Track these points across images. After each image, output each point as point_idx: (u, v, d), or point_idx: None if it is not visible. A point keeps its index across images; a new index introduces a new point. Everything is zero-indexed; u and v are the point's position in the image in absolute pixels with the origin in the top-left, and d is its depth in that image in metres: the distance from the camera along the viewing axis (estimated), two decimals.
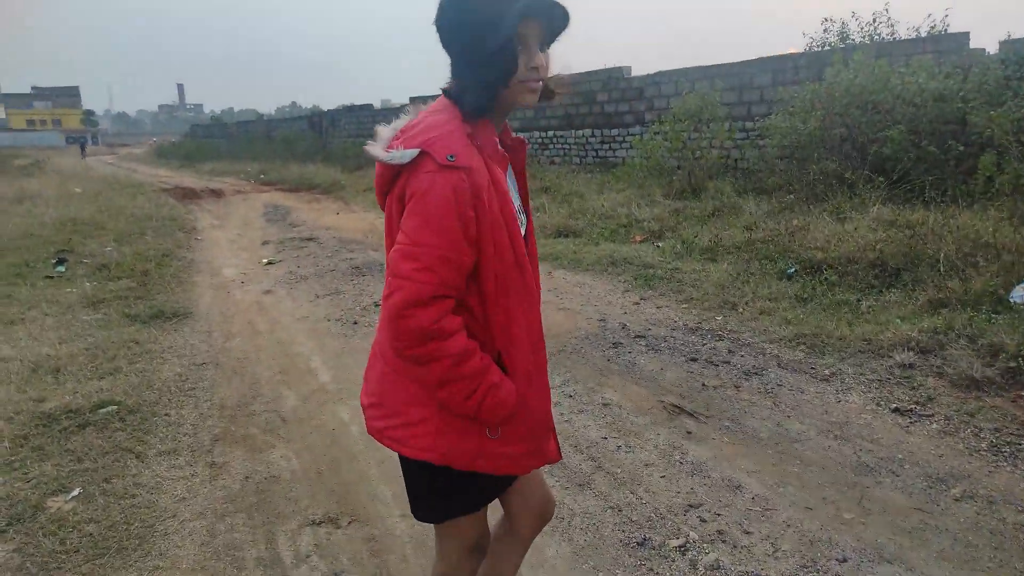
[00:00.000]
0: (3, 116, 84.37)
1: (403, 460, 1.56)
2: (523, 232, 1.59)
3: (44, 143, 63.70)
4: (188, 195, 16.07)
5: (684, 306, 5.40)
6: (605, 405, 3.74)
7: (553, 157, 15.73)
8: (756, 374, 4.02)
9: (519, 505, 1.75)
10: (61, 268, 7.35)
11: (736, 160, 11.09)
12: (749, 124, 11.09)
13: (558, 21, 1.41)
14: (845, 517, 2.65)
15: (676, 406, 3.67)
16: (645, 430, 3.43)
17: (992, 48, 8.31)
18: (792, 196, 8.13)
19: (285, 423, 3.60)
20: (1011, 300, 4.25)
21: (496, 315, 1.43)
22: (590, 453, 3.23)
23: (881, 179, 7.27)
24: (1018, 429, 3.16)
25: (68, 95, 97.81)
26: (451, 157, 1.31)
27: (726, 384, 3.92)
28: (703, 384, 3.93)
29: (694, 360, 4.29)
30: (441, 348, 1.35)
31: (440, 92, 1.47)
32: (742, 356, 4.30)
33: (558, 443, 1.64)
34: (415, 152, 1.33)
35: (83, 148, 48.07)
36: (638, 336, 4.78)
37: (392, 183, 1.40)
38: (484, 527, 1.70)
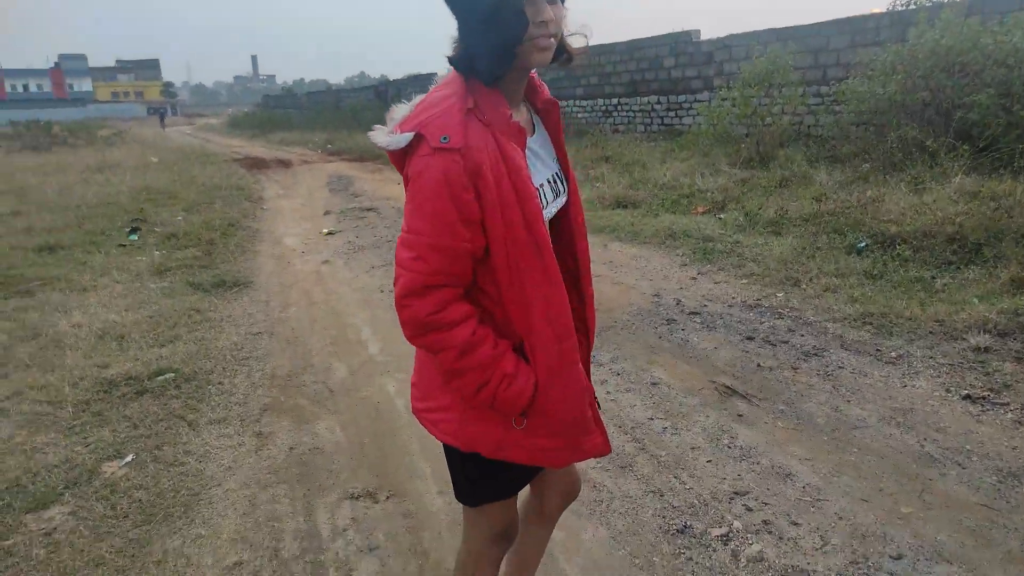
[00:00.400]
0: (90, 88, 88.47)
1: (443, 443, 1.54)
2: (562, 202, 1.51)
3: (127, 114, 66.65)
4: (257, 165, 16.50)
5: (744, 282, 5.20)
6: (654, 384, 3.64)
7: (617, 125, 15.38)
8: (816, 355, 3.83)
9: (546, 484, 1.72)
10: (134, 236, 7.67)
11: (809, 127, 10.56)
12: (824, 89, 10.52)
13: None
14: (903, 511, 2.49)
15: (728, 387, 3.53)
16: (694, 412, 3.32)
17: None
18: (868, 165, 7.68)
19: (332, 394, 3.65)
20: None
21: (512, 298, 1.35)
22: (634, 434, 3.14)
23: (966, 147, 6.77)
24: None
25: (149, 68, 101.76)
26: (444, 139, 1.23)
27: (783, 365, 3.75)
28: (758, 364, 3.77)
29: (750, 339, 4.12)
30: (444, 339, 1.30)
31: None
32: (802, 336, 4.10)
33: (606, 436, 1.53)
34: (410, 136, 1.26)
35: (162, 119, 50.04)
36: (693, 313, 4.62)
37: (403, 165, 1.34)
38: (513, 514, 1.66)
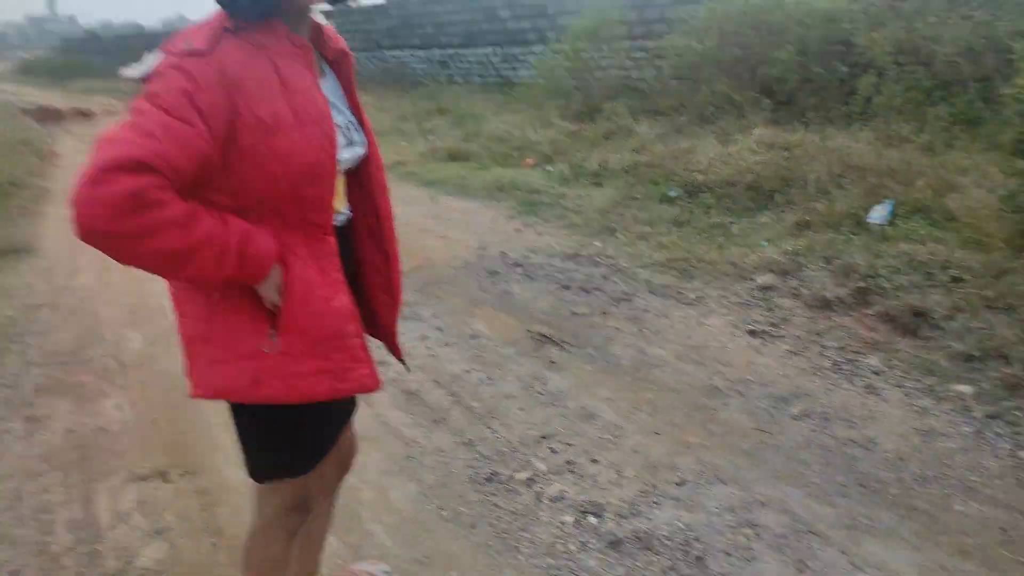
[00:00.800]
0: None
1: (231, 411, 1.45)
2: (359, 153, 1.44)
3: None
4: (51, 116, 14.58)
5: (565, 232, 5.34)
6: (473, 337, 3.66)
7: (454, 76, 15.16)
8: (625, 300, 4.01)
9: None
10: None
11: (635, 81, 10.96)
12: (649, 43, 10.91)
13: None
14: (689, 441, 2.69)
15: (543, 335, 3.62)
16: (509, 361, 3.37)
17: None
18: (684, 118, 8.10)
19: (124, 368, 3.34)
20: (868, 221, 4.38)
21: (271, 211, 1.28)
22: (450, 388, 3.15)
23: (768, 101, 7.32)
24: (859, 347, 3.28)
25: None
26: (188, 45, 1.15)
27: (595, 311, 3.90)
28: (572, 312, 3.90)
29: (567, 288, 4.24)
30: (161, 215, 1.09)
31: None
32: (614, 282, 4.29)
33: (373, 369, 1.45)
34: (157, 57, 1.17)
35: None
36: (515, 264, 4.69)
37: None
38: (307, 487, 1.58)
